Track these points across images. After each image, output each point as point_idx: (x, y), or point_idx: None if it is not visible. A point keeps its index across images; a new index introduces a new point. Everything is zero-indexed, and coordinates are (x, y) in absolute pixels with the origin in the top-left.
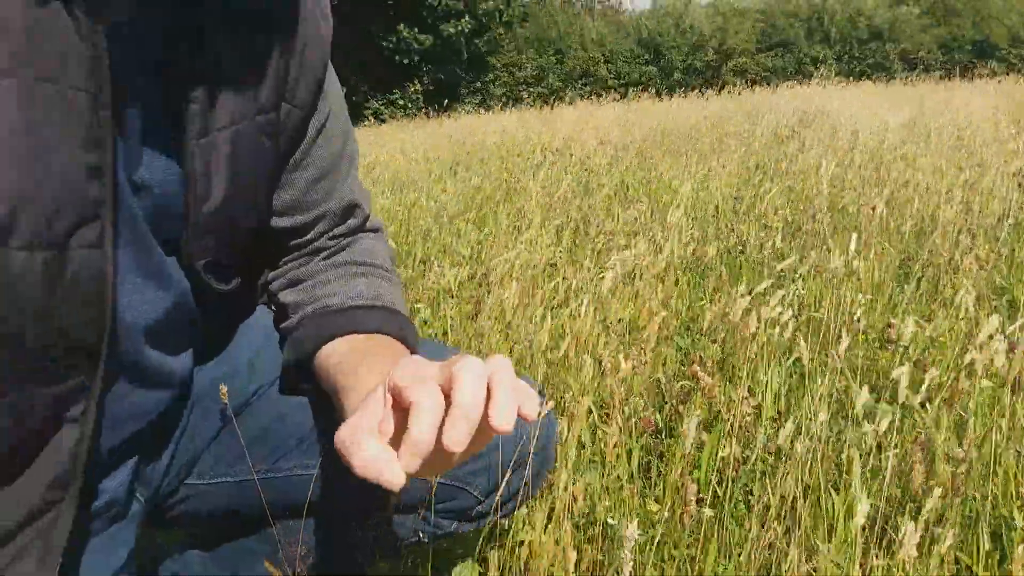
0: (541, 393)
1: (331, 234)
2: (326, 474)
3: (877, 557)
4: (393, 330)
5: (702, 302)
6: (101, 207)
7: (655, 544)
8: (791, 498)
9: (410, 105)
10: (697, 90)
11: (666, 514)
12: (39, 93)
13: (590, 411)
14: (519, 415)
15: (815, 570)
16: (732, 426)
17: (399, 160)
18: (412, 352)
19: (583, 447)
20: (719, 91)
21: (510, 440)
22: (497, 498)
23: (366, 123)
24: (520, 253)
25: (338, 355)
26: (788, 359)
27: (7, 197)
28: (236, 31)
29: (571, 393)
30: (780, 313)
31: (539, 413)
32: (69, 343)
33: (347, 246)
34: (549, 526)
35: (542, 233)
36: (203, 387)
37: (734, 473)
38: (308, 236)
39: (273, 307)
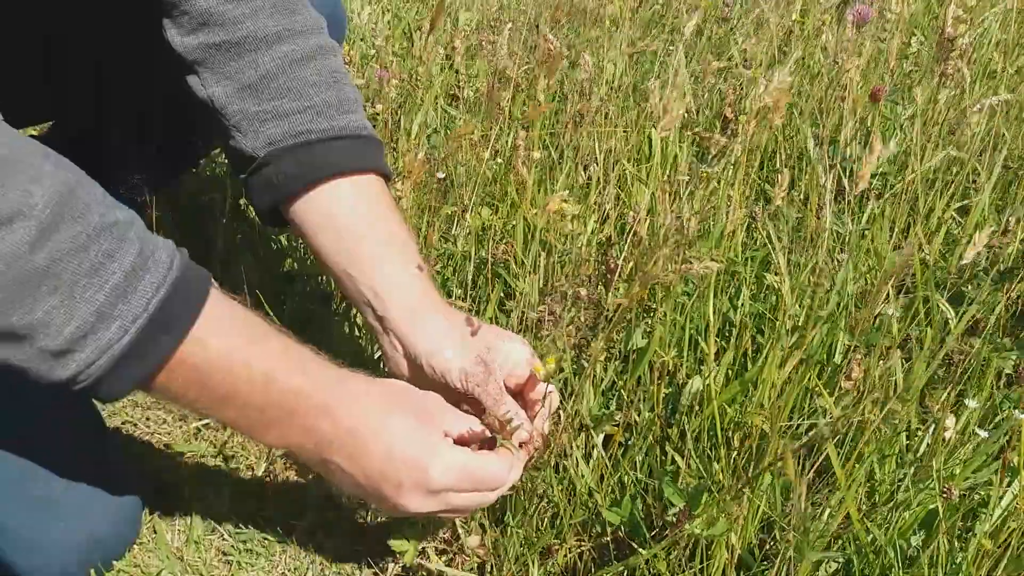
0: None
1: None
2: None
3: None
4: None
5: None
6: None
7: (482, 180)
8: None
9: None
10: None
11: (500, 161)
12: None
13: (437, 96)
14: None
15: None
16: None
17: None
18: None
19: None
20: None
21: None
22: None
23: None
24: None
25: (332, 232)
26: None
27: None
28: None
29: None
30: None
31: None
32: None
33: None
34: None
35: None
36: None
37: (571, 132)
38: None
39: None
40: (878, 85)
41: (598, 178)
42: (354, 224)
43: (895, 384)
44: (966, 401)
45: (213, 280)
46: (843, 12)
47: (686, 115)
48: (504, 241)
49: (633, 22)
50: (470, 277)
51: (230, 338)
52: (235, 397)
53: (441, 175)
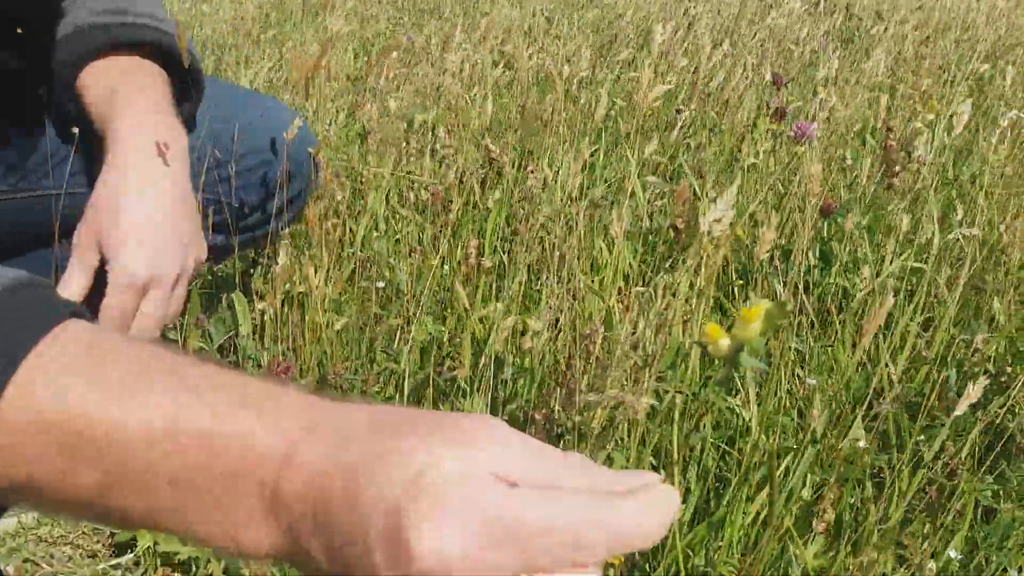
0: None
1: None
2: None
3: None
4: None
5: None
6: None
7: (429, 289)
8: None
9: None
10: None
11: (446, 268)
12: None
13: (387, 197)
14: None
15: (575, 298)
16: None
17: None
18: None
19: (377, 226)
20: None
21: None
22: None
23: None
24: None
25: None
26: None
27: None
28: None
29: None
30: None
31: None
32: None
33: None
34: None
35: (347, 49)
36: None
37: (515, 236)
38: None
39: None
40: (829, 200)
41: (550, 288)
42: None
43: (869, 525)
44: (948, 552)
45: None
46: (778, 115)
47: (638, 222)
48: (451, 357)
49: (585, 129)
50: (408, 395)
51: (107, 375)
52: (129, 468)
53: (381, 284)
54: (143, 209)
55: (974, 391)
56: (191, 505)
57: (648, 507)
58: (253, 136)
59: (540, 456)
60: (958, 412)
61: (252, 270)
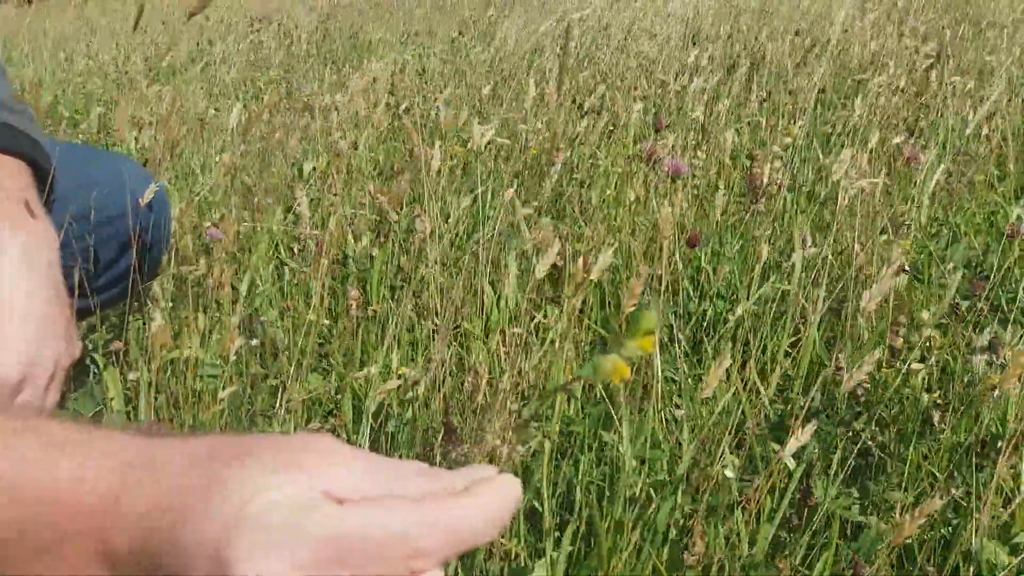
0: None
1: None
2: None
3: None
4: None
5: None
6: None
7: (311, 344)
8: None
9: None
10: None
11: (327, 321)
12: None
13: (272, 252)
14: None
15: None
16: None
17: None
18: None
19: (259, 284)
20: None
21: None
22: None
23: None
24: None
25: None
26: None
27: None
28: None
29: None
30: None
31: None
32: None
33: None
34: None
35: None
36: None
37: (403, 283)
38: None
39: None
40: (694, 232)
41: (432, 333)
42: None
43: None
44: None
45: None
46: (649, 160)
47: (526, 262)
48: (332, 415)
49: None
50: None
51: None
52: None
53: (255, 342)
54: (15, 306)
55: (803, 434)
56: (17, 556)
57: (485, 501)
58: (100, 192)
59: (374, 468)
60: (790, 451)
61: (120, 336)
